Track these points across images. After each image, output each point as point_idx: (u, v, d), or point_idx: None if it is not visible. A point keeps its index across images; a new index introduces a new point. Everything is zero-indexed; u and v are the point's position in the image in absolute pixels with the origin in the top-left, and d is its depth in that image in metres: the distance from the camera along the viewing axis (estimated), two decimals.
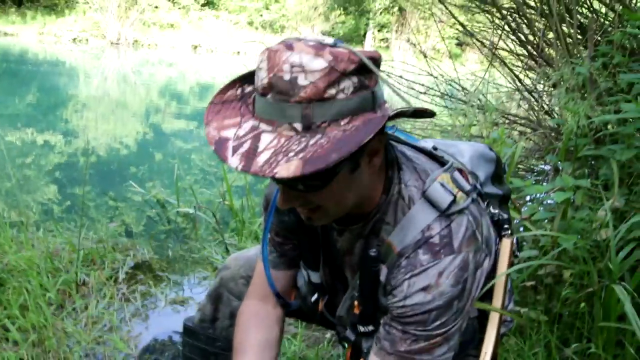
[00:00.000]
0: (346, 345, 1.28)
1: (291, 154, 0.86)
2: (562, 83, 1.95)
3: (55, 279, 2.32)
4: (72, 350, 1.98)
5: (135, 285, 2.45)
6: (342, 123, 0.89)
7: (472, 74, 3.43)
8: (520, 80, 3.07)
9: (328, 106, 0.88)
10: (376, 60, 0.93)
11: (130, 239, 2.91)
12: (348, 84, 0.89)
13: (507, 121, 3.09)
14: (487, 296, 1.22)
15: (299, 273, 1.39)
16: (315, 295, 1.33)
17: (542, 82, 2.66)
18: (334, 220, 1.13)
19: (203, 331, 1.50)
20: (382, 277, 1.09)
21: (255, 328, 1.31)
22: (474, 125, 2.60)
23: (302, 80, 0.86)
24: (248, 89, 1.01)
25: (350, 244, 1.16)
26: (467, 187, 1.09)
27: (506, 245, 1.22)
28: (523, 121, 3.14)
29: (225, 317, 1.46)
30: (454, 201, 1.04)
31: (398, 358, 1.06)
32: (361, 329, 1.18)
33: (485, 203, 1.20)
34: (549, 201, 2.10)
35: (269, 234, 1.30)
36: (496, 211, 1.23)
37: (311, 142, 0.87)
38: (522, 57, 3.03)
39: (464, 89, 2.85)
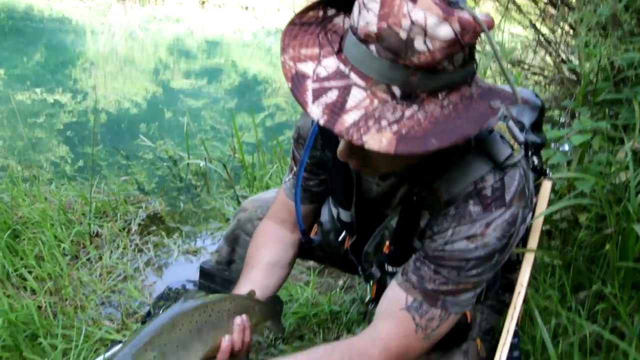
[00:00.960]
0: (371, 282, 1.28)
1: (384, 122, 0.78)
2: (581, 23, 1.87)
3: (68, 231, 2.34)
4: (88, 299, 2.01)
5: (147, 237, 2.47)
6: (440, 96, 0.81)
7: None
8: (536, 29, 2.96)
9: (435, 78, 0.79)
10: (488, 28, 0.81)
11: (142, 193, 2.92)
12: (460, 57, 0.80)
13: (522, 70, 3.01)
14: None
15: (324, 209, 1.38)
16: (343, 234, 1.32)
17: (560, 25, 2.57)
18: None
19: (219, 273, 1.51)
20: (422, 223, 1.08)
21: (269, 246, 1.31)
22: (486, 73, 2.53)
23: (419, 45, 0.76)
24: (330, 12, 0.91)
25: (392, 188, 1.14)
26: (522, 138, 1.06)
27: (547, 186, 1.19)
28: (539, 71, 3.05)
29: (241, 259, 1.45)
30: (510, 154, 1.00)
31: (422, 294, 1.05)
32: (389, 268, 1.17)
33: (531, 152, 1.17)
34: (565, 147, 2.05)
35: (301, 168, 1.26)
36: (535, 159, 1.20)
37: (407, 113, 0.79)
38: (539, 2, 2.92)
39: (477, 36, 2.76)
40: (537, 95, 1.32)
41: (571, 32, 2.55)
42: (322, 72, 0.82)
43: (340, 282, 2.10)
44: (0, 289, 1.92)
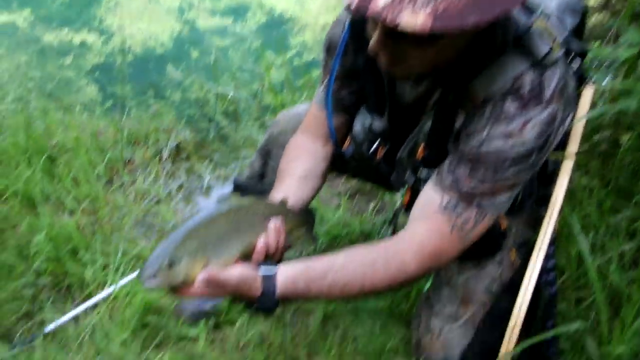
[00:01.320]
0: (404, 187, 1.27)
1: (419, 1, 0.75)
2: None
3: (102, 157, 2.38)
4: (123, 220, 2.06)
5: (179, 163, 2.49)
6: None
7: None
8: None
9: None
10: None
11: (173, 122, 2.93)
12: None
13: None
14: (556, 148, 1.18)
15: (357, 121, 1.36)
16: (376, 143, 1.31)
17: None
18: None
19: (252, 187, 1.51)
20: (458, 123, 1.05)
21: (301, 159, 1.31)
22: None
23: None
24: None
25: (427, 92, 1.12)
26: (562, 36, 1.02)
27: (588, 93, 1.15)
28: None
29: (273, 173, 1.44)
30: (550, 51, 0.97)
31: (457, 195, 1.04)
32: (423, 173, 1.16)
33: (572, 56, 1.11)
34: (609, 67, 1.96)
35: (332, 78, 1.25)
36: (576, 64, 1.15)
37: None
38: None
39: None
40: None
41: None
42: None
43: (371, 205, 2.10)
44: (41, 208, 1.98)
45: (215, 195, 2.33)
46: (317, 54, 5.75)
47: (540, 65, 0.98)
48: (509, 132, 0.98)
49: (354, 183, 2.23)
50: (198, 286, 0.96)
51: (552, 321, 1.28)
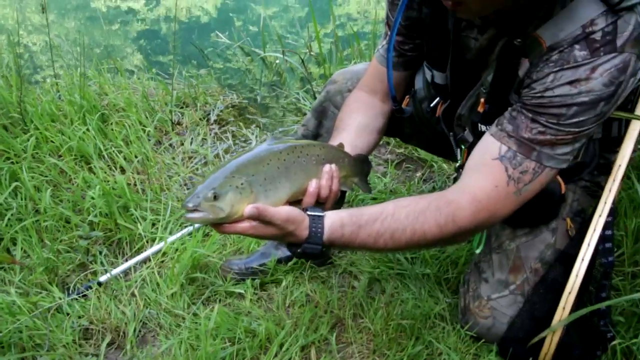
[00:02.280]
0: (462, 147, 1.24)
1: None
2: None
3: (152, 117, 2.42)
4: (172, 180, 2.10)
5: (226, 127, 2.51)
6: None
7: None
8: None
9: None
10: None
11: (220, 86, 2.95)
12: None
13: None
14: (623, 109, 1.13)
15: (418, 76, 1.33)
16: (436, 100, 1.28)
17: None
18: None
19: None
20: (521, 72, 1.02)
21: (360, 112, 1.29)
22: None
23: None
24: None
25: (491, 41, 1.08)
26: None
27: None
28: None
29: (328, 133, 1.42)
30: None
31: (517, 143, 1.01)
32: (482, 128, 1.13)
33: None
34: None
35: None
36: None
37: None
38: None
39: None
40: None
41: None
42: None
43: (419, 174, 2.07)
44: (95, 164, 2.03)
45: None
46: (362, 25, 5.66)
47: (615, 10, 0.93)
48: (576, 78, 0.94)
49: (402, 150, 2.20)
50: (244, 222, 0.94)
51: (606, 293, 1.25)
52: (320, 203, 1.08)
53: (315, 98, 2.74)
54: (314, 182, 1.06)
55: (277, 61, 3.10)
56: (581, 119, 0.97)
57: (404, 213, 1.02)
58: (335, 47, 3.00)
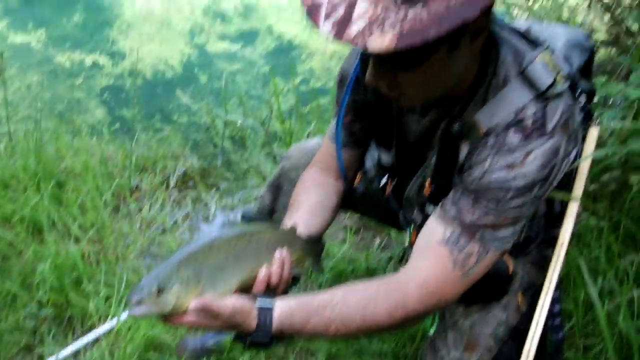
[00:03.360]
0: (411, 227, 1.26)
1: (387, 25, 0.80)
2: None
3: (110, 183, 2.39)
4: (128, 249, 2.06)
5: (186, 191, 2.50)
6: None
7: None
8: None
9: None
10: None
11: (180, 149, 2.94)
12: None
13: None
14: (562, 189, 1.17)
15: (368, 155, 1.36)
16: (385, 178, 1.31)
17: None
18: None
19: (260, 222, 1.51)
20: (462, 156, 1.06)
21: (313, 191, 1.31)
22: None
23: None
24: None
25: (433, 124, 1.12)
26: (566, 70, 1.04)
27: (593, 133, 1.15)
28: (590, 31, 2.91)
29: (284, 208, 1.42)
30: (553, 83, 0.98)
31: (461, 227, 1.03)
32: (429, 209, 1.15)
33: (578, 92, 1.12)
34: (618, 102, 1.96)
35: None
36: (583, 99, 1.15)
37: (410, 14, 0.80)
38: None
39: None
40: (588, 37, 1.25)
41: None
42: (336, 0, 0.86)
43: (377, 241, 2.09)
44: (47, 235, 1.98)
45: (219, 220, 2.32)
46: (325, 81, 5.80)
47: (544, 97, 0.99)
48: (512, 162, 0.98)
49: (360, 217, 2.23)
50: (190, 315, 0.93)
51: None
52: (271, 289, 1.08)
53: (275, 161, 2.76)
54: (264, 269, 1.06)
55: (240, 122, 3.13)
56: (520, 201, 1.01)
57: (354, 300, 1.02)
58: (295, 109, 3.05)
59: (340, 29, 0.82)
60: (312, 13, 0.85)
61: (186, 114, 3.76)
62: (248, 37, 8.07)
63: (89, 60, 6.05)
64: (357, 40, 0.80)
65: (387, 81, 0.96)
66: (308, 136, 2.88)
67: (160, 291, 0.90)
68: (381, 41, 0.79)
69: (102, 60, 6.13)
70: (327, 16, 0.83)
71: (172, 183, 2.52)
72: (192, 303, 0.92)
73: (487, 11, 0.91)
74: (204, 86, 5.51)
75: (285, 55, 7.00)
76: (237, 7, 10.48)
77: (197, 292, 0.94)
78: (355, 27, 0.81)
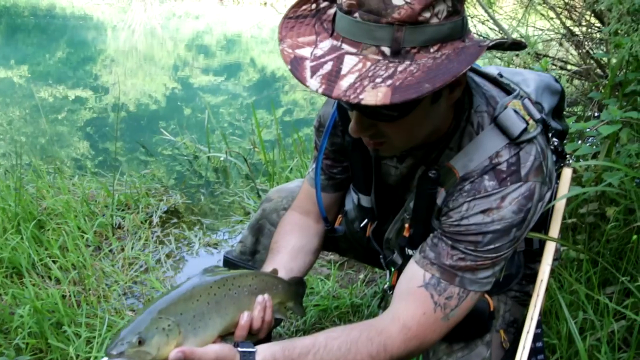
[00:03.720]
0: (392, 269, 1.27)
1: (378, 79, 0.81)
2: (610, 13, 1.83)
3: (91, 222, 2.37)
4: (110, 289, 2.03)
5: (169, 229, 2.48)
6: (431, 50, 0.84)
7: (508, 15, 3.29)
8: (561, 20, 2.91)
9: (420, 31, 0.83)
10: None
11: (163, 186, 2.94)
12: (442, 8, 0.84)
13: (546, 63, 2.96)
14: (538, 229, 1.20)
15: (348, 197, 1.38)
16: (365, 221, 1.32)
17: (585, 16, 2.52)
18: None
19: (243, 263, 1.50)
20: (439, 200, 1.08)
21: (294, 234, 1.31)
22: (512, 64, 2.50)
23: (396, 0, 0.81)
24: (323, 4, 0.96)
25: (410, 169, 1.15)
26: (537, 115, 1.06)
27: (567, 173, 1.18)
28: (562, 64, 3.00)
29: (265, 250, 1.43)
30: (525, 129, 1.02)
31: (440, 270, 1.04)
32: (409, 252, 1.17)
33: (551, 134, 1.15)
34: (591, 139, 2.01)
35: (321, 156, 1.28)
36: (556, 141, 1.18)
37: (400, 68, 0.82)
38: None
39: (500, 28, 2.73)
40: (556, 80, 1.30)
41: (597, 24, 2.51)
42: (319, 52, 0.87)
43: (362, 276, 2.09)
44: (27, 278, 1.95)
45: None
46: (307, 112, 5.87)
47: (517, 142, 1.02)
48: (488, 207, 1.00)
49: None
50: None
51: None
52: (253, 334, 1.07)
53: (259, 196, 2.77)
54: (246, 315, 1.05)
55: (222, 159, 3.14)
56: (497, 245, 1.03)
57: (336, 344, 1.02)
58: (279, 149, 3.08)
59: (330, 84, 0.82)
60: (297, 68, 0.85)
61: (169, 148, 3.77)
62: (231, 70, 8.18)
63: (72, 95, 6.05)
64: (349, 94, 0.81)
65: (372, 130, 0.98)
66: (291, 170, 2.90)
67: (140, 342, 0.89)
68: (375, 95, 0.80)
69: (85, 94, 6.14)
70: (314, 71, 0.84)
71: (155, 220, 2.51)
72: (173, 353, 0.91)
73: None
74: (187, 119, 5.54)
75: (268, 88, 7.08)
76: (219, 41, 10.63)
77: (178, 341, 0.93)
78: (345, 82, 0.82)
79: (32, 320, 1.72)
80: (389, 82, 0.81)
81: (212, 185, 3.06)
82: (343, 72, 0.83)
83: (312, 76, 0.84)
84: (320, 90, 0.82)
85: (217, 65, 8.33)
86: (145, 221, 2.50)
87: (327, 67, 0.84)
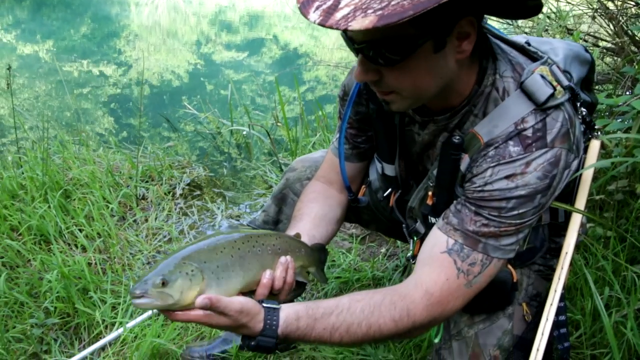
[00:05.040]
0: (415, 238, 1.27)
1: (370, 10, 0.83)
2: None
3: (116, 193, 2.40)
4: (134, 258, 2.07)
5: (192, 201, 2.51)
6: None
7: None
8: None
9: None
10: None
11: (186, 159, 2.96)
12: None
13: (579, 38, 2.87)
14: (564, 201, 1.17)
15: (372, 167, 1.37)
16: (389, 190, 1.31)
17: None
18: (418, 113, 1.11)
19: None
20: (463, 167, 1.07)
21: (317, 203, 1.31)
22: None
23: None
24: None
25: (433, 136, 1.13)
26: (565, 82, 1.04)
27: (595, 145, 1.15)
28: (593, 40, 2.91)
29: (288, 220, 1.43)
30: (552, 95, 1.00)
31: (463, 236, 1.03)
32: (432, 220, 1.16)
33: (579, 104, 1.12)
34: (621, 118, 1.95)
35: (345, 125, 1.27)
36: (585, 111, 1.15)
37: (393, 2, 0.83)
38: None
39: None
40: (586, 50, 1.26)
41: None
42: None
43: (383, 250, 2.09)
44: (54, 245, 1.99)
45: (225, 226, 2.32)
46: (330, 89, 5.83)
47: (543, 108, 1.00)
48: (512, 173, 0.99)
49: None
50: (196, 311, 0.92)
51: None
52: (275, 294, 1.08)
53: (281, 170, 2.77)
54: (268, 273, 1.06)
55: (244, 133, 3.14)
56: (521, 211, 1.01)
57: (359, 307, 1.02)
58: (301, 124, 3.06)
59: (327, 16, 0.85)
60: (305, 6, 0.89)
61: (192, 123, 3.79)
62: (254, 46, 8.15)
63: (96, 70, 6.11)
64: (340, 22, 0.84)
65: (375, 76, 0.97)
66: (313, 145, 2.89)
67: (164, 284, 0.90)
68: (362, 22, 0.82)
69: (109, 70, 6.19)
70: (318, 7, 0.88)
71: (178, 192, 2.53)
72: (200, 298, 0.91)
73: (471, 14, 0.93)
74: (210, 95, 5.55)
75: (291, 64, 7.04)
76: (242, 17, 10.58)
77: (201, 287, 0.93)
78: (340, 13, 0.85)
79: (59, 286, 1.76)
80: (380, 12, 0.82)
81: (235, 160, 3.07)
82: (341, 5, 0.86)
83: (315, 10, 0.87)
84: (317, 21, 0.85)
85: (239, 42, 8.31)
86: (169, 193, 2.52)
87: (329, 2, 0.87)
